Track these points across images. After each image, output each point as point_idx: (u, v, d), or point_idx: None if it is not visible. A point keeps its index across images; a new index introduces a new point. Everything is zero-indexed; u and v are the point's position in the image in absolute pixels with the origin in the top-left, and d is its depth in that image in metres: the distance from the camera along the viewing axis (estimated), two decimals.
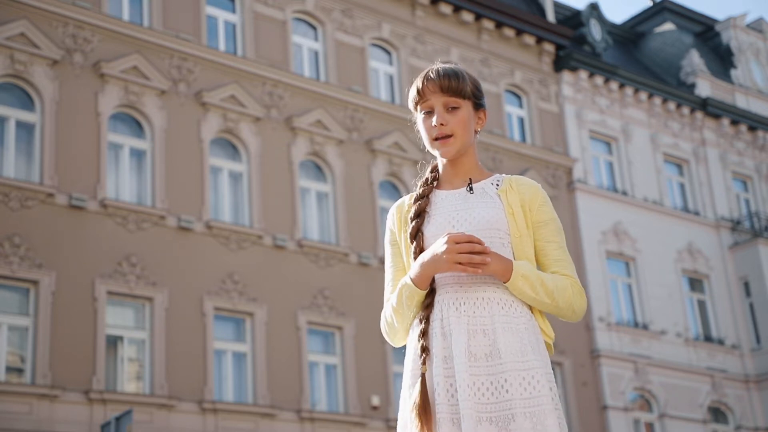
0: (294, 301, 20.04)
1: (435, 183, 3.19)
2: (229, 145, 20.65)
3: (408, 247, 3.12)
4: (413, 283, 3.00)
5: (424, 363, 2.96)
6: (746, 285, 28.39)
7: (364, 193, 21.94)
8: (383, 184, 22.49)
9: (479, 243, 2.91)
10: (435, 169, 3.23)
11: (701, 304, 27.94)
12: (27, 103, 18.46)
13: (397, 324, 3.08)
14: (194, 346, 18.58)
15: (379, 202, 22.00)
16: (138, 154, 19.47)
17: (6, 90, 18.33)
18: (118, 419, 15.16)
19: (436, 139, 3.10)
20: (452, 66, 3.17)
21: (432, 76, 3.12)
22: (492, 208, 3.08)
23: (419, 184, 3.20)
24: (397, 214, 3.19)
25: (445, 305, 2.99)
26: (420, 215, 3.11)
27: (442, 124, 3.09)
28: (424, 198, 3.14)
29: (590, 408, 24.10)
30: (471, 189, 3.13)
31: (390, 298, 3.11)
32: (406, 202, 3.19)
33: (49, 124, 18.26)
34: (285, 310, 19.88)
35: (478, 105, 3.17)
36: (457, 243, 2.90)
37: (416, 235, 3.09)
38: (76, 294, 17.60)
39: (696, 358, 26.76)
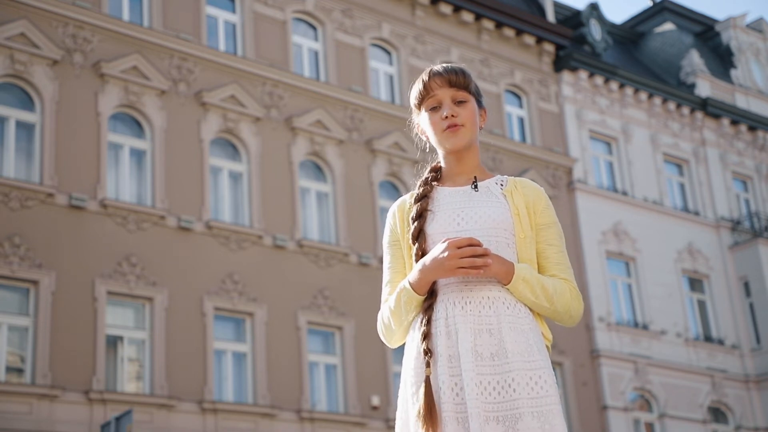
0: (294, 301, 20.04)
1: (436, 182, 3.18)
2: (229, 145, 20.65)
3: (410, 249, 3.11)
4: (412, 288, 3.00)
5: (428, 366, 2.96)
6: (746, 285, 28.39)
7: (364, 193, 21.94)
8: (383, 184, 22.49)
9: (479, 245, 2.91)
10: (435, 169, 3.22)
11: (701, 304, 27.94)
12: (27, 103, 18.46)
13: (394, 327, 3.09)
14: (194, 346, 18.58)
15: (379, 202, 22.00)
16: (138, 154, 19.47)
17: (6, 90, 18.33)
18: (118, 419, 15.16)
19: (446, 130, 3.11)
20: (455, 64, 3.19)
21: (439, 70, 3.14)
22: (498, 208, 3.08)
23: (419, 183, 3.19)
24: (399, 213, 3.18)
25: (450, 304, 2.99)
26: (422, 216, 3.10)
27: (453, 115, 3.10)
28: (425, 198, 3.13)
29: (590, 408, 24.10)
30: (476, 187, 3.13)
31: (388, 299, 3.11)
32: (408, 201, 3.18)
33: (49, 124, 18.26)
34: (285, 310, 19.88)
35: (479, 103, 3.19)
36: (459, 248, 2.90)
37: (418, 236, 3.08)
38: (76, 294, 17.60)
39: (696, 358, 26.76)
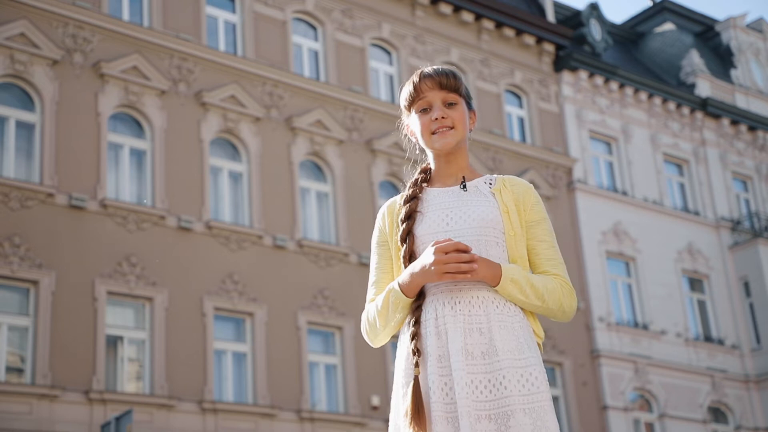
0: (294, 301, 20.04)
1: (425, 183, 3.20)
2: (229, 145, 20.65)
3: (398, 249, 3.12)
4: (401, 290, 3.01)
5: (416, 365, 2.97)
6: (746, 285, 28.39)
7: (364, 193, 21.94)
8: (383, 184, 22.50)
9: (466, 250, 2.92)
10: (425, 171, 3.24)
11: (701, 304, 27.94)
12: (27, 103, 18.46)
13: (380, 326, 3.10)
14: (194, 346, 18.58)
15: (379, 202, 21.99)
16: (138, 154, 19.47)
17: (6, 90, 18.34)
18: (118, 419, 15.18)
19: (435, 132, 3.11)
20: (446, 66, 3.20)
21: (430, 72, 3.14)
22: (487, 206, 3.09)
23: (408, 184, 3.21)
24: (389, 215, 3.19)
25: (440, 304, 3.00)
26: (411, 217, 3.12)
27: (443, 117, 3.10)
28: (414, 199, 3.15)
29: (590, 408, 24.10)
30: (465, 186, 3.14)
31: (374, 299, 3.13)
32: (398, 202, 3.20)
33: (49, 124, 18.26)
34: (285, 310, 19.88)
35: (469, 106, 3.20)
36: (446, 253, 2.91)
37: (406, 237, 3.10)
38: (76, 294, 17.60)
39: (696, 358, 26.76)
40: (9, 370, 17.09)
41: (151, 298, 18.42)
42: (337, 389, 20.37)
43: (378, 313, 3.09)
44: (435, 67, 3.18)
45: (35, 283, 17.38)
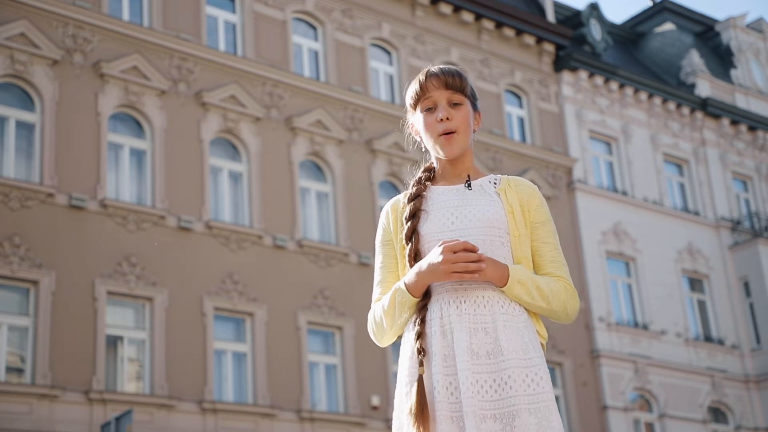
0: (294, 301, 20.04)
1: (429, 182, 3.19)
2: (229, 145, 20.65)
3: (403, 248, 3.11)
4: (407, 289, 3.01)
5: (421, 365, 2.96)
6: (746, 285, 28.39)
7: (364, 193, 21.94)
8: (383, 184, 22.50)
9: (474, 250, 2.92)
10: (429, 169, 3.23)
11: (701, 304, 27.94)
12: (27, 103, 18.46)
13: (386, 326, 3.09)
14: (194, 346, 18.58)
15: (379, 202, 22.00)
16: (138, 154, 19.47)
17: (6, 90, 18.33)
18: (118, 419, 15.19)
19: (441, 135, 3.11)
20: (452, 65, 3.20)
21: (436, 72, 3.14)
22: (492, 206, 3.08)
23: (412, 183, 3.20)
24: (393, 213, 3.18)
25: (445, 304, 3.00)
26: (415, 215, 3.11)
27: (447, 119, 3.10)
28: (418, 197, 3.14)
29: (590, 408, 24.10)
30: (469, 185, 3.13)
31: (381, 299, 3.11)
32: (401, 201, 3.19)
33: (49, 124, 18.26)
34: (285, 310, 19.88)
35: (474, 106, 3.20)
36: (454, 252, 2.91)
37: (411, 236, 3.09)
38: (76, 294, 17.60)
39: (696, 358, 26.77)
40: (9, 370, 17.09)
41: (151, 298, 18.42)
42: (337, 389, 20.38)
43: (384, 312, 3.08)
44: (441, 66, 3.18)
45: (35, 283, 17.37)
